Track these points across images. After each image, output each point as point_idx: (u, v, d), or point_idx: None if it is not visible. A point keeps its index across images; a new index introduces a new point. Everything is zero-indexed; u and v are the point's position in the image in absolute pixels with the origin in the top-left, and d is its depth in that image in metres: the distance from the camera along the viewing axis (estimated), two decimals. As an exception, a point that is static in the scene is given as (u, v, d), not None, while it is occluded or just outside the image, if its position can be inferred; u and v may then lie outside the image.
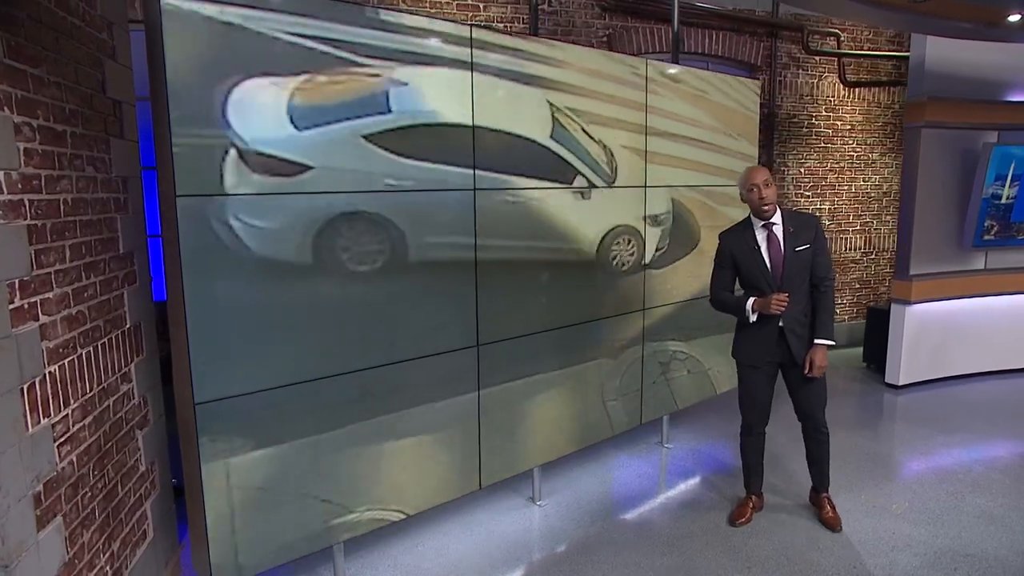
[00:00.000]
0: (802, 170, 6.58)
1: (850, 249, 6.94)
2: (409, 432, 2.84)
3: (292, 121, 2.40)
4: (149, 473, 2.82)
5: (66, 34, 2.24)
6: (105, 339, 2.46)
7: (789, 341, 3.05)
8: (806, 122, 6.53)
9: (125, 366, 2.62)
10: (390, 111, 2.60)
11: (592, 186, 3.41)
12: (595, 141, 3.41)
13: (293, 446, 2.54)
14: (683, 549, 3.07)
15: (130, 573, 2.58)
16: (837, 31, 6.36)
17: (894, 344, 5.38)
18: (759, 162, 6.27)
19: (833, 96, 6.59)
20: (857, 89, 6.63)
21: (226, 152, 2.29)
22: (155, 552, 2.81)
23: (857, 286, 7.00)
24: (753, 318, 3.04)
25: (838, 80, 6.52)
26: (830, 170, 6.70)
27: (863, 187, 6.88)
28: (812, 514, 3.33)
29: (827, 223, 6.75)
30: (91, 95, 2.40)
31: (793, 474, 3.73)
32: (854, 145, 6.77)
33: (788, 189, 6.55)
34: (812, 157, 6.60)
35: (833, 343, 3.05)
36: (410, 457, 2.86)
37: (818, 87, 6.51)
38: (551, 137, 3.20)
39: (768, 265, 3.03)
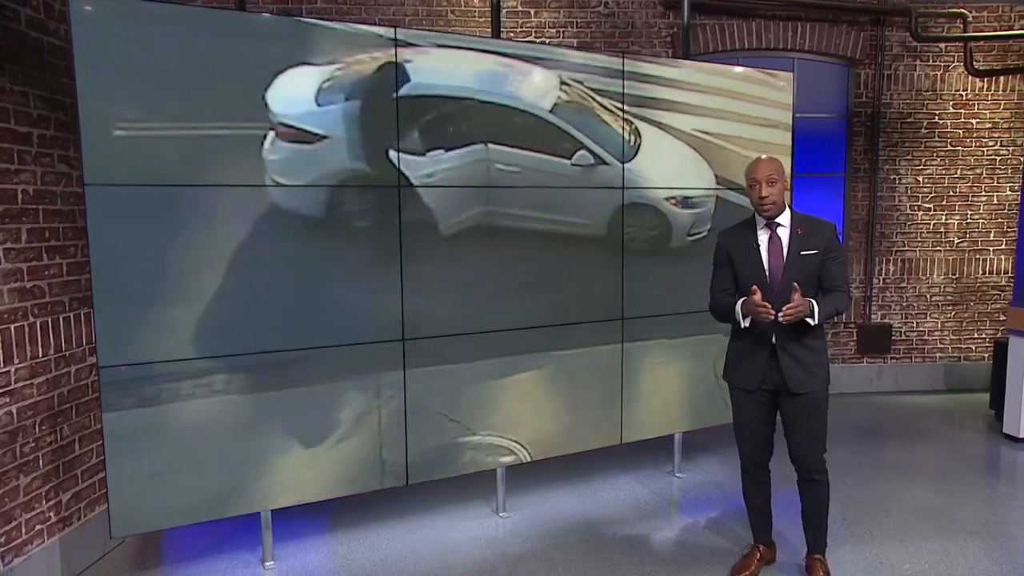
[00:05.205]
0: (920, 178, 5.62)
1: (991, 272, 5.76)
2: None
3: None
4: (122, 438, 3.16)
5: (37, 50, 2.65)
6: (70, 314, 2.82)
7: (782, 363, 2.60)
8: (926, 122, 5.58)
9: (96, 340, 2.98)
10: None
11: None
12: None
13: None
14: (626, 583, 2.76)
15: (84, 524, 2.90)
16: (963, 11, 5.36)
17: (1013, 385, 4.36)
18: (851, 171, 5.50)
19: (965, 89, 5.56)
20: (1002, 78, 5.54)
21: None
22: (121, 510, 3.13)
23: (1002, 318, 5.77)
24: (745, 323, 2.63)
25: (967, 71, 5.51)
26: (960, 178, 5.65)
27: (1010, 197, 5.70)
28: (800, 570, 2.82)
29: (956, 240, 5.69)
30: (68, 103, 2.80)
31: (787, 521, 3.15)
32: (996, 147, 5.65)
33: (899, 200, 5.63)
34: (934, 163, 5.62)
35: (815, 321, 2.53)
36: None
37: (942, 80, 5.54)
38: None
39: (766, 267, 2.63)
